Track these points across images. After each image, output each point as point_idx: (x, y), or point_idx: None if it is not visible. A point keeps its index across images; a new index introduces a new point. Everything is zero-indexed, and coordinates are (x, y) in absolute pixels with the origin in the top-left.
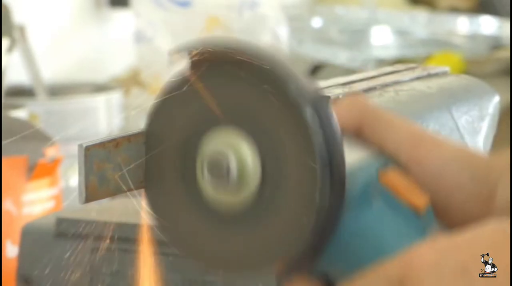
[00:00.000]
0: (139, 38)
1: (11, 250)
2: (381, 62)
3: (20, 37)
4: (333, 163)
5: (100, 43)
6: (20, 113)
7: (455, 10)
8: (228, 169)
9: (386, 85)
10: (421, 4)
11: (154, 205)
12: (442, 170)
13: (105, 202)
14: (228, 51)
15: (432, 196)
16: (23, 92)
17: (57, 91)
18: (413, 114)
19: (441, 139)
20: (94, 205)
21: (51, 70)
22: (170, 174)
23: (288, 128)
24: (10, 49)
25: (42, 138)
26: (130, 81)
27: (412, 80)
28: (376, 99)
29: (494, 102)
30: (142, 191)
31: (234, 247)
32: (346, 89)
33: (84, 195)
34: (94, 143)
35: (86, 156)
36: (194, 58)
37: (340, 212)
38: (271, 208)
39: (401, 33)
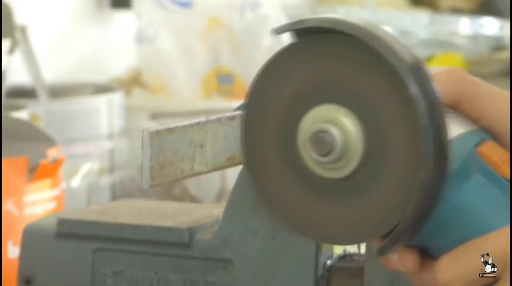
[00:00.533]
0: (141, 38)
1: (12, 251)
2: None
3: (21, 37)
4: (437, 135)
5: (101, 44)
6: (21, 114)
7: (457, 10)
8: (332, 146)
9: None
10: (422, 4)
11: (257, 178)
12: None
13: (105, 203)
14: (328, 27)
15: None
16: (24, 93)
17: (59, 92)
18: None
19: None
20: (94, 206)
21: (53, 71)
22: (272, 148)
23: (391, 101)
24: (11, 50)
25: (44, 139)
26: (132, 81)
27: None
28: None
29: None
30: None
31: (337, 220)
32: None
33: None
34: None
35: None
36: (297, 35)
37: (442, 186)
38: (374, 182)
39: (402, 33)
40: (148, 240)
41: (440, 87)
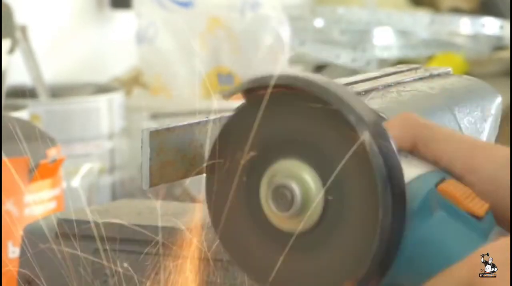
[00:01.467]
0: (141, 38)
1: (12, 251)
2: (383, 63)
3: (21, 37)
4: (393, 183)
5: (102, 44)
6: (21, 114)
7: (457, 10)
8: (292, 201)
9: (388, 85)
10: (423, 4)
11: (217, 223)
12: (497, 175)
13: (105, 203)
14: (286, 84)
15: (491, 201)
16: (24, 93)
17: (59, 92)
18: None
19: (493, 146)
20: (95, 206)
21: (53, 71)
22: (236, 203)
23: (349, 156)
24: (11, 49)
25: (44, 139)
26: (132, 81)
27: (414, 81)
28: (378, 100)
29: (496, 103)
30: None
31: (302, 272)
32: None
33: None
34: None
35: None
36: (252, 95)
37: (403, 229)
38: (335, 234)
39: (403, 33)
40: (148, 240)
41: (395, 133)
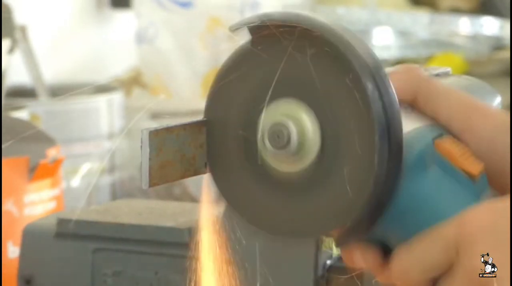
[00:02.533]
0: (141, 38)
1: (12, 251)
2: (383, 63)
3: (21, 37)
4: (391, 131)
5: (102, 44)
6: (21, 114)
7: (457, 10)
8: (288, 139)
9: None
10: (422, 4)
11: (219, 178)
12: (494, 137)
13: (105, 203)
14: (287, 24)
15: (485, 163)
16: (24, 93)
17: (59, 92)
18: None
19: (492, 109)
20: (94, 206)
21: (53, 71)
22: (233, 148)
23: (348, 98)
24: (11, 49)
25: (44, 139)
26: (132, 81)
27: None
28: None
29: (496, 103)
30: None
31: (295, 214)
32: None
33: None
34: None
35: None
36: (253, 32)
37: (397, 179)
38: (330, 176)
39: (402, 33)
40: (148, 240)
41: (396, 84)
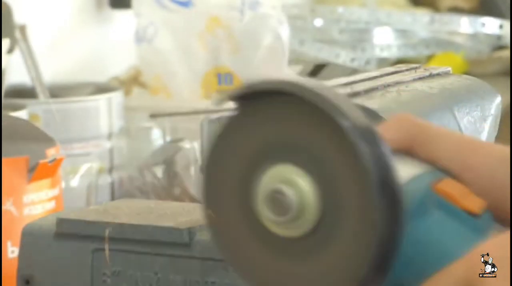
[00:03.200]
0: (140, 38)
1: (12, 251)
2: (383, 62)
3: (20, 37)
4: (388, 187)
5: (101, 44)
6: (20, 114)
7: (457, 10)
8: (287, 206)
9: (388, 85)
10: (422, 4)
11: (217, 236)
12: (494, 173)
13: (104, 203)
14: (277, 89)
15: (489, 199)
16: (23, 93)
17: (58, 91)
18: (415, 115)
19: (489, 144)
20: (94, 206)
21: (52, 71)
22: (231, 208)
23: (342, 160)
24: (10, 49)
25: (43, 139)
26: (131, 81)
27: (414, 80)
28: (378, 100)
29: (496, 103)
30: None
31: (298, 278)
32: (349, 89)
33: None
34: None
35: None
36: (243, 99)
37: (401, 230)
38: (332, 239)
39: (402, 33)
40: (148, 240)
41: (390, 135)
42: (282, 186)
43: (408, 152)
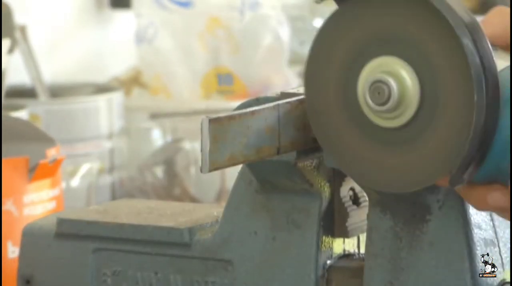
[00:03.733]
0: (140, 38)
1: (12, 251)
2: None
3: (21, 37)
4: (488, 79)
5: (101, 44)
6: (21, 114)
7: None
8: (389, 95)
9: None
10: None
11: (316, 123)
12: None
13: (104, 203)
14: None
15: None
16: (24, 93)
17: (58, 92)
18: None
19: None
20: (94, 206)
21: (52, 71)
22: (332, 97)
23: (446, 54)
24: (11, 49)
25: (43, 139)
26: (131, 81)
27: None
28: None
29: None
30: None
31: (395, 167)
32: None
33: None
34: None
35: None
36: None
37: (497, 113)
38: (429, 129)
39: None
40: (148, 240)
41: (490, 30)
42: (385, 75)
43: (506, 44)
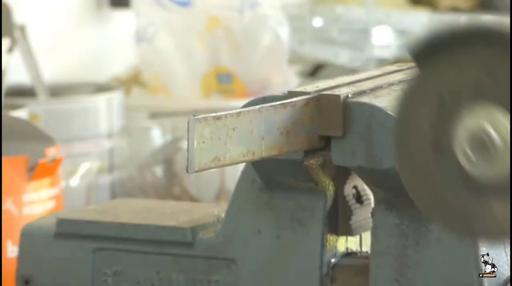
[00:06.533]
0: (140, 38)
1: (11, 250)
2: (382, 62)
3: (20, 37)
4: None
5: (101, 43)
6: (20, 114)
7: (456, 10)
8: (492, 143)
9: (392, 83)
10: (421, 4)
11: (412, 182)
12: None
13: (103, 202)
14: (474, 32)
15: None
16: (23, 92)
17: (58, 91)
18: None
19: None
20: (93, 205)
21: (52, 70)
22: (424, 147)
23: None
24: (10, 49)
25: (43, 139)
26: (131, 81)
27: None
28: (385, 98)
29: None
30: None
31: (500, 215)
32: (354, 87)
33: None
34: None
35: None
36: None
37: None
38: None
39: (402, 33)
40: (150, 240)
41: None
42: (485, 125)
43: None
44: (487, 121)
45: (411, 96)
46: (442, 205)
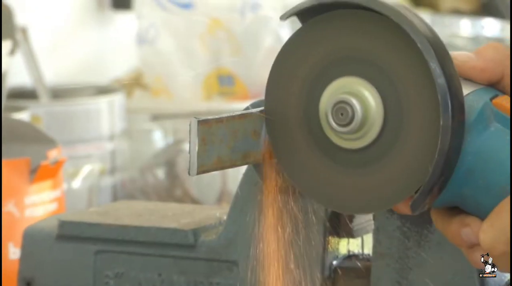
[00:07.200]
0: (141, 40)
1: (13, 252)
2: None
3: (22, 39)
4: (453, 97)
5: (103, 45)
6: (22, 116)
7: (457, 12)
8: (352, 116)
9: None
10: (423, 6)
11: (282, 153)
12: None
13: (105, 204)
14: (351, 2)
15: None
16: (25, 95)
17: (60, 93)
18: None
19: None
20: (95, 207)
21: (54, 72)
22: (296, 129)
23: (410, 74)
24: (12, 51)
25: (44, 141)
26: (133, 83)
27: None
28: None
29: None
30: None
31: (358, 187)
32: None
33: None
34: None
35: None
36: (304, 16)
37: (461, 137)
38: (392, 150)
39: None
40: (151, 242)
41: (483, 63)
42: (348, 96)
43: (495, 83)
44: (352, 93)
45: (289, 54)
46: (314, 179)
